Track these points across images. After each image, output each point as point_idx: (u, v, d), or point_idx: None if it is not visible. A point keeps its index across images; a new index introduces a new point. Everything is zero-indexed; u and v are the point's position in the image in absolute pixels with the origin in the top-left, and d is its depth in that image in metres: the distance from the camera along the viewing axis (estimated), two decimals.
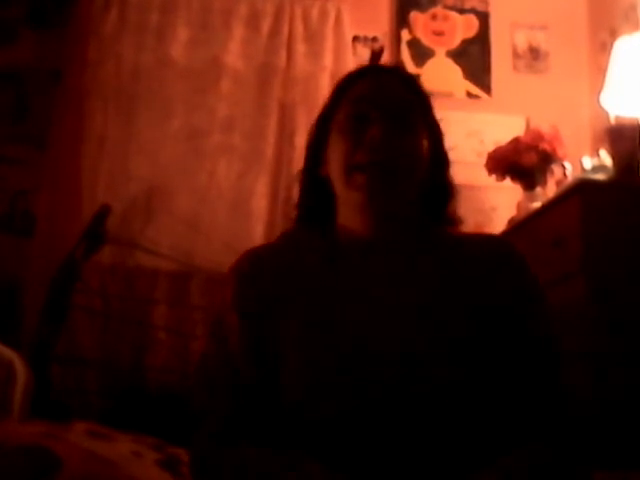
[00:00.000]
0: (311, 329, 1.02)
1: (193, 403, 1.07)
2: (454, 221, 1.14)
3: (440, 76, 3.31)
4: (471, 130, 3.22)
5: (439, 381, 0.97)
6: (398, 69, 1.20)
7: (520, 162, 2.75)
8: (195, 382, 1.08)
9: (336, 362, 0.99)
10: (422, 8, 3.39)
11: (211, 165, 3.08)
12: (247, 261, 1.10)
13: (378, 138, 1.03)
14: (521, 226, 2.61)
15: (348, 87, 1.12)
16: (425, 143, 1.08)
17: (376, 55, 3.29)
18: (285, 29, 3.21)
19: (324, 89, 3.14)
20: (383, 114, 1.05)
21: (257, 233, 3.00)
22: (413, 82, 1.14)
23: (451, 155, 1.17)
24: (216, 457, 1.00)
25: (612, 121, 2.78)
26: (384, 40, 3.34)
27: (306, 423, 0.98)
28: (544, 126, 2.85)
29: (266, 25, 3.21)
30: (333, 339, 1.01)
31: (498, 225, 2.93)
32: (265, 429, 1.00)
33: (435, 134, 1.12)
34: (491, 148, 2.92)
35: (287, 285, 1.07)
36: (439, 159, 1.12)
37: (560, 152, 2.74)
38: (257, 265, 1.09)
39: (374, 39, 3.33)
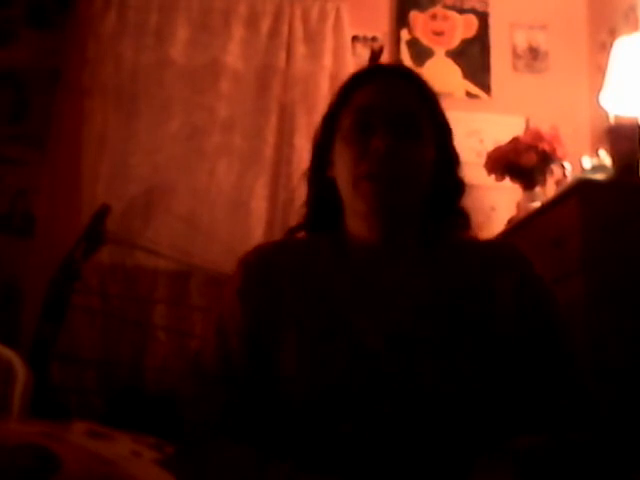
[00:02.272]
0: (313, 326, 1.04)
1: (184, 393, 1.09)
2: (464, 216, 1.15)
3: (440, 76, 3.31)
4: (470, 130, 3.22)
5: (437, 381, 0.99)
6: (403, 71, 1.17)
7: (519, 162, 2.75)
8: (189, 373, 1.09)
9: (336, 360, 1.01)
10: (422, 8, 3.39)
11: (211, 165, 3.08)
12: (256, 255, 1.12)
13: (382, 149, 1.03)
14: (520, 226, 2.61)
15: (352, 91, 1.11)
16: (431, 148, 1.08)
17: (376, 55, 3.29)
18: (285, 29, 3.21)
19: (324, 89, 3.14)
20: (387, 124, 1.05)
21: (256, 233, 3.00)
22: (418, 83, 1.13)
23: None
24: (201, 450, 1.02)
25: (611, 121, 2.78)
26: (384, 40, 3.34)
27: (302, 416, 1.00)
28: (544, 126, 2.85)
29: (265, 25, 3.21)
30: (334, 337, 1.03)
31: (497, 225, 2.93)
32: (256, 424, 1.02)
33: (443, 134, 1.12)
34: (490, 148, 2.92)
35: (292, 282, 1.08)
36: (447, 159, 1.12)
37: (559, 152, 2.74)
38: (265, 259, 1.10)
39: (374, 39, 3.33)
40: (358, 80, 1.13)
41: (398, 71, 1.16)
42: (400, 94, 1.09)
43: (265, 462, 0.95)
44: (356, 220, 1.10)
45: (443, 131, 1.12)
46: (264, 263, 1.10)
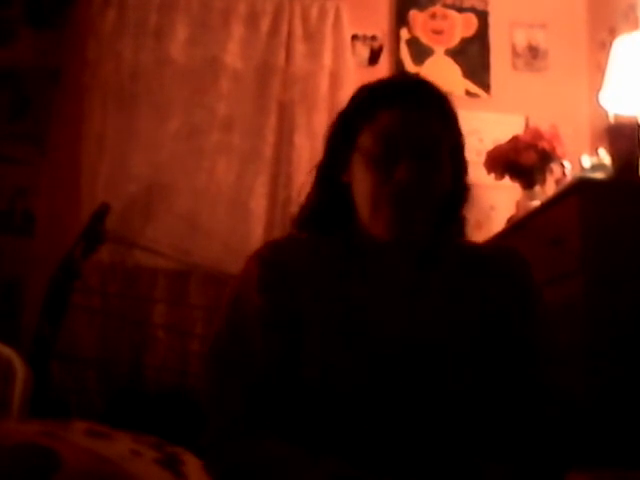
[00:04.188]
0: (331, 329, 1.08)
1: (204, 389, 1.11)
2: (462, 228, 1.21)
3: (439, 75, 3.31)
4: (470, 129, 3.17)
5: (443, 373, 1.06)
6: (425, 88, 1.16)
7: (519, 161, 2.75)
8: (207, 367, 1.12)
9: (352, 347, 1.06)
10: (421, 7, 3.39)
11: (210, 164, 3.08)
12: (270, 250, 1.15)
13: (406, 178, 1.06)
14: (520, 225, 2.61)
15: (376, 109, 1.11)
16: (449, 176, 1.13)
17: (375, 54, 3.29)
18: (284, 28, 3.21)
19: (323, 88, 3.14)
20: (412, 154, 1.08)
21: (256, 232, 3.00)
22: (441, 103, 1.16)
23: None
24: (234, 449, 1.05)
25: (611, 120, 2.78)
26: (383, 39, 3.34)
27: (322, 401, 1.05)
28: (543, 125, 2.85)
29: (265, 24, 3.21)
30: (351, 339, 1.08)
31: (497, 224, 2.93)
32: (280, 412, 1.05)
33: (459, 160, 1.17)
34: (490, 147, 2.92)
35: (309, 283, 1.11)
36: (460, 186, 1.18)
37: (559, 151, 2.74)
38: (280, 255, 1.13)
39: (373, 38, 3.33)
40: (382, 97, 1.12)
41: (421, 89, 1.15)
42: (425, 119, 1.11)
43: (312, 461, 0.98)
44: (372, 231, 1.12)
45: (459, 156, 1.18)
46: (280, 259, 1.12)
